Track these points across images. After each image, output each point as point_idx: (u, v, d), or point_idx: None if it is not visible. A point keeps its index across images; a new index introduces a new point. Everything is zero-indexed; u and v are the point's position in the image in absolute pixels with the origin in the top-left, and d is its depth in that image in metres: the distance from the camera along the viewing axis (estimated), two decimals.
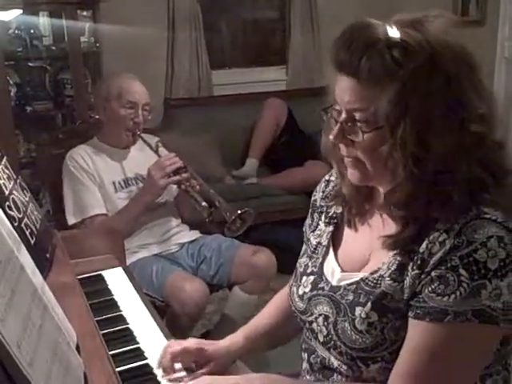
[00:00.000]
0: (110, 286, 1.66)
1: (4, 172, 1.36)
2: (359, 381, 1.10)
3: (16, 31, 3.69)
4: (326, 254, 1.23)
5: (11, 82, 3.68)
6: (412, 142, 0.97)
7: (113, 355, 1.26)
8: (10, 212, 1.29)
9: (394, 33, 0.98)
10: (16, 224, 1.30)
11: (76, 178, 2.44)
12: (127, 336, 1.40)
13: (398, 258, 1.05)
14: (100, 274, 1.72)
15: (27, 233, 1.34)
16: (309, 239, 1.30)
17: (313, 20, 4.40)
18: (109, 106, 2.52)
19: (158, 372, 1.27)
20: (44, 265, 1.36)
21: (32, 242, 1.34)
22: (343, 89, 1.03)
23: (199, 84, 4.25)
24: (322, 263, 1.22)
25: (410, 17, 1.02)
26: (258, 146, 3.92)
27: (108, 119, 2.55)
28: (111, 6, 3.69)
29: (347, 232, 1.22)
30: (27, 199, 1.47)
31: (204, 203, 2.44)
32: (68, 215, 2.42)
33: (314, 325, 1.17)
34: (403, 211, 1.04)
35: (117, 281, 1.70)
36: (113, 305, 1.56)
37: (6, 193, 1.33)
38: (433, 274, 0.98)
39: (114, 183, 2.49)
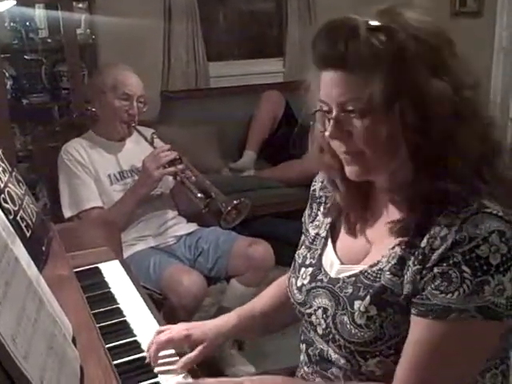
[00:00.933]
0: (106, 279, 1.65)
1: None
2: (357, 374, 1.10)
3: (11, 24, 3.67)
4: (325, 245, 1.21)
5: (7, 75, 3.67)
6: (411, 113, 0.96)
7: (109, 348, 1.26)
8: (5, 205, 1.29)
9: (373, 20, 0.99)
10: (11, 217, 1.29)
11: (71, 171, 2.43)
12: (124, 329, 1.40)
13: (398, 252, 1.04)
14: (97, 267, 1.71)
15: (23, 226, 1.34)
16: (307, 230, 1.29)
17: (310, 11, 4.39)
18: (103, 97, 2.51)
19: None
20: (40, 258, 1.36)
21: (28, 234, 1.34)
22: (330, 84, 1.02)
23: (196, 76, 4.24)
24: (320, 255, 1.21)
25: (382, 7, 1.02)
26: (256, 139, 3.91)
27: (103, 111, 2.54)
28: None
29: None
30: (23, 192, 1.46)
31: (200, 194, 2.43)
32: (64, 209, 2.41)
33: (313, 317, 1.16)
34: (409, 191, 1.02)
35: (114, 273, 1.69)
36: (109, 298, 1.55)
37: (1, 185, 1.32)
38: (435, 270, 0.97)
39: (109, 176, 2.48)
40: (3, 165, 1.41)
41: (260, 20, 4.62)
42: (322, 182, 1.28)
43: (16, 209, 1.34)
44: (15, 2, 2.69)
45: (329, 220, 1.23)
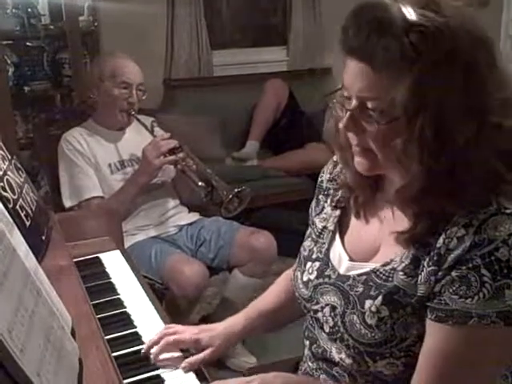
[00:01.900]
0: (107, 269, 1.63)
1: None
2: (364, 375, 1.07)
3: (13, 10, 3.64)
4: (333, 239, 1.18)
5: (9, 62, 3.64)
6: (431, 134, 0.91)
7: (109, 340, 1.24)
8: (4, 193, 1.27)
9: (409, 14, 0.90)
10: (11, 206, 1.27)
11: (71, 160, 2.42)
12: (124, 320, 1.38)
13: (412, 252, 1.00)
14: (97, 257, 1.70)
15: (22, 215, 1.32)
16: (314, 222, 1.25)
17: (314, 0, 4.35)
18: (102, 86, 2.49)
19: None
20: (39, 247, 1.34)
21: (27, 224, 1.32)
22: (354, 74, 0.96)
23: (199, 64, 4.21)
24: (327, 249, 1.17)
25: None
26: (259, 128, 3.89)
27: (102, 100, 2.53)
28: None
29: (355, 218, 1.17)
30: (22, 180, 1.44)
31: (201, 183, 2.41)
32: (64, 198, 2.40)
33: (320, 314, 1.13)
34: (416, 206, 0.99)
35: (114, 263, 1.67)
36: (110, 288, 1.53)
37: (0, 173, 1.30)
38: (453, 274, 0.93)
39: (109, 165, 2.47)
40: (2, 152, 1.39)
41: (264, 8, 4.57)
42: (331, 174, 1.25)
43: (15, 197, 1.32)
44: None
45: (337, 213, 1.20)
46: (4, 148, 1.41)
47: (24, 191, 1.40)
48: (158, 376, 1.19)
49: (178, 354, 1.26)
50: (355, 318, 1.04)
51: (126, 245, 2.04)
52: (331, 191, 1.23)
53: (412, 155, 0.94)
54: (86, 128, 2.53)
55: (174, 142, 2.42)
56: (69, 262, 1.42)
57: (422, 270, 0.98)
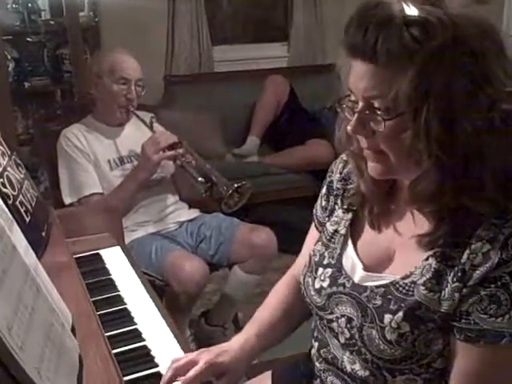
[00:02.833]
0: (107, 266, 1.63)
1: None
2: None
3: (13, 5, 3.64)
4: (345, 244, 1.13)
5: (9, 57, 3.64)
6: (436, 125, 0.89)
7: (109, 337, 1.24)
8: (4, 189, 1.26)
9: (410, 9, 0.89)
10: (10, 202, 1.26)
11: (71, 157, 2.41)
12: (125, 317, 1.37)
13: (434, 266, 0.97)
14: (97, 253, 1.69)
15: (22, 211, 1.31)
16: (323, 224, 1.21)
17: None
18: (101, 82, 2.48)
19: (156, 353, 1.24)
20: (39, 244, 1.33)
21: (27, 220, 1.31)
22: (358, 75, 0.95)
23: (200, 60, 4.21)
24: (340, 254, 1.13)
25: None
26: (259, 124, 3.89)
27: (101, 96, 2.52)
28: None
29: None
30: (22, 176, 1.44)
31: (200, 178, 2.40)
32: (64, 195, 2.39)
33: (335, 324, 1.09)
34: (432, 204, 0.96)
35: (114, 260, 1.67)
36: (110, 285, 1.53)
37: (0, 169, 1.30)
38: (482, 292, 0.91)
39: (109, 161, 2.46)
40: (2, 148, 1.38)
41: (265, 4, 4.57)
42: (341, 174, 1.20)
43: (15, 193, 1.31)
44: None
45: (349, 216, 1.15)
46: (4, 144, 1.40)
47: (24, 187, 1.39)
48: (159, 373, 1.18)
49: None
50: (374, 332, 1.00)
51: (126, 241, 2.03)
52: (341, 191, 1.19)
53: (421, 149, 0.91)
54: (84, 124, 2.52)
55: (174, 137, 2.41)
56: (69, 258, 1.42)
57: (446, 286, 0.95)
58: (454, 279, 0.94)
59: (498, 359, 0.92)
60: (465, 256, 0.93)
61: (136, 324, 1.35)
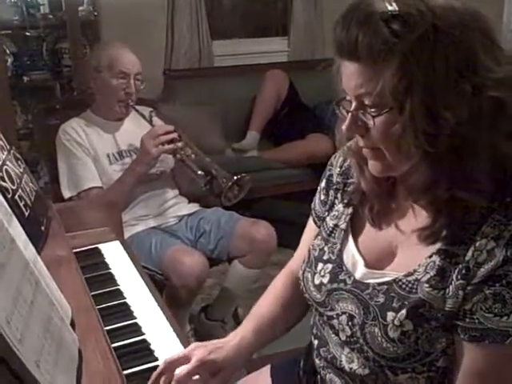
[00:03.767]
0: (106, 260, 1.63)
1: None
2: None
3: None
4: (345, 239, 1.12)
5: (7, 52, 3.63)
6: (421, 118, 0.89)
7: (109, 331, 1.23)
8: (3, 183, 1.26)
9: (390, 5, 0.89)
10: (9, 196, 1.26)
11: (70, 151, 2.41)
12: (124, 311, 1.37)
13: (438, 263, 0.96)
14: (97, 248, 1.69)
15: (21, 205, 1.31)
16: (323, 219, 1.20)
17: None
18: (100, 76, 2.47)
19: (155, 347, 1.24)
20: (38, 238, 1.34)
21: (26, 214, 1.31)
22: (348, 75, 0.95)
23: (200, 55, 4.20)
24: (340, 250, 1.12)
25: None
26: (259, 119, 3.88)
27: (100, 90, 2.51)
28: None
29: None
30: (21, 170, 1.44)
31: (200, 172, 2.40)
32: (63, 189, 2.39)
33: (335, 321, 1.08)
34: (426, 196, 0.96)
35: (114, 254, 1.66)
36: (110, 279, 1.52)
37: None
38: (486, 291, 0.90)
39: (108, 155, 2.45)
40: (1, 142, 1.38)
41: None
42: (341, 168, 1.19)
43: (14, 187, 1.31)
44: None
45: (349, 211, 1.14)
46: (3, 138, 1.40)
47: (23, 181, 1.39)
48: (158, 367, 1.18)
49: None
50: (376, 330, 0.99)
51: (126, 235, 2.03)
52: (341, 185, 1.18)
53: (409, 142, 0.91)
54: (84, 119, 2.51)
55: (171, 127, 2.40)
56: (68, 252, 1.42)
57: (450, 283, 0.94)
58: (459, 277, 0.93)
59: (504, 359, 0.91)
60: (469, 253, 0.92)
61: (135, 318, 1.35)
